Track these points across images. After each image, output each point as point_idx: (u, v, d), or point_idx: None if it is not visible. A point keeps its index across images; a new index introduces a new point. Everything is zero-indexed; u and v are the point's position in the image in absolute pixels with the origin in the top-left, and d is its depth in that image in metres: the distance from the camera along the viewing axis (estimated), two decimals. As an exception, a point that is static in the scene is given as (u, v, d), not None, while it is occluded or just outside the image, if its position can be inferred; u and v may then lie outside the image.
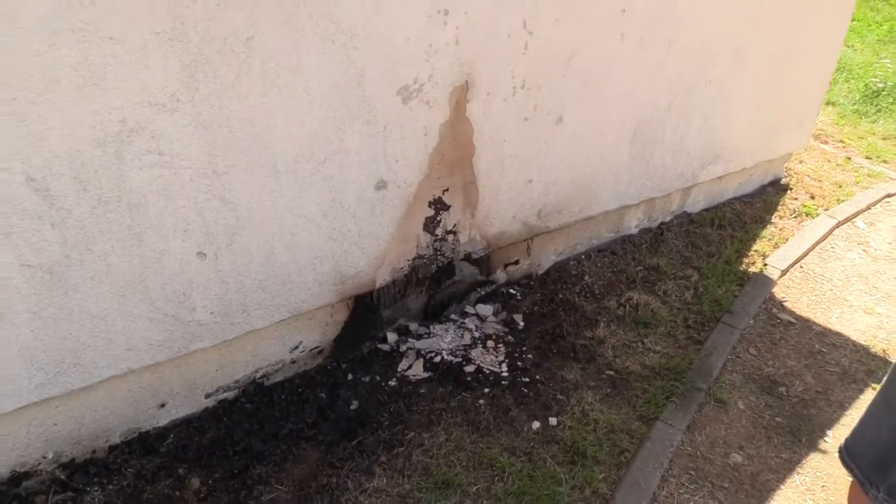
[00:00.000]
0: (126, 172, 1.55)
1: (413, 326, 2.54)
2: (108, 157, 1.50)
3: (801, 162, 4.09)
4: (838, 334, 2.73)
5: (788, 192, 3.76)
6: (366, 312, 2.37)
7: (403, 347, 2.44)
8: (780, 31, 3.01)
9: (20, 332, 1.57)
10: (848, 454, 1.82)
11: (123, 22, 1.42)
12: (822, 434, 2.24)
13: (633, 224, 3.18)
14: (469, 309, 2.66)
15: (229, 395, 2.14)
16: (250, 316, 1.99)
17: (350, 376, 2.30)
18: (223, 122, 1.65)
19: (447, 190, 2.28)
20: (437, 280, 2.52)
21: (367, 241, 2.16)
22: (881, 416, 1.72)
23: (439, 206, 2.30)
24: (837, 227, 3.45)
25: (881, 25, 6.90)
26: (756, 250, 3.18)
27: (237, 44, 1.59)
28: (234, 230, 1.82)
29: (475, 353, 2.45)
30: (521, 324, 2.60)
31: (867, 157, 4.29)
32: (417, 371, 2.34)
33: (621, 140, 2.71)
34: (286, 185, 1.86)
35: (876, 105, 5.02)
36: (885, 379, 1.73)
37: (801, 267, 3.14)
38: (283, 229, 1.92)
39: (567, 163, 2.57)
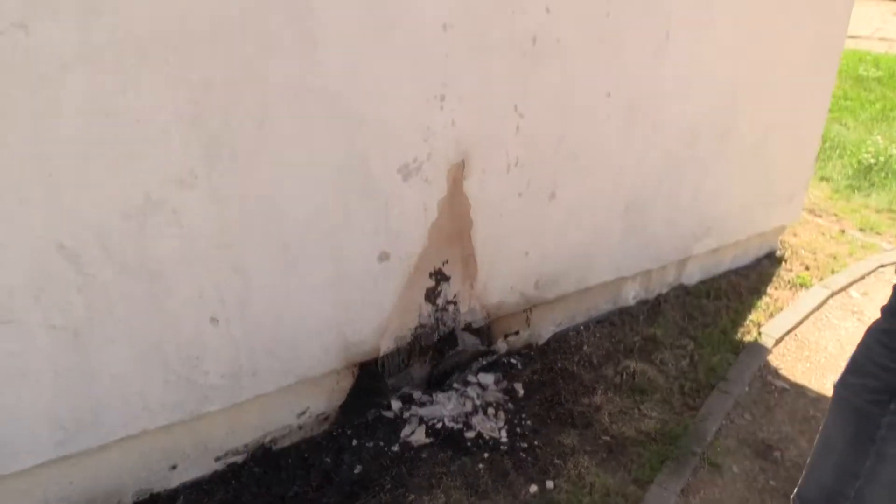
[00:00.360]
0: (148, 243, 1.70)
1: (417, 394, 2.63)
2: (132, 228, 1.66)
3: (795, 235, 4.21)
4: (833, 400, 2.78)
5: (783, 263, 3.87)
6: (371, 380, 2.47)
7: (407, 414, 2.52)
8: (762, 111, 3.20)
9: (43, 391, 1.69)
10: (801, 501, 1.86)
11: (150, 107, 1.60)
12: (817, 497, 2.27)
13: (630, 295, 3.29)
14: (471, 378, 2.75)
15: (238, 458, 2.22)
16: (259, 380, 2.09)
17: (354, 442, 2.38)
18: (237, 197, 1.81)
19: (447, 261, 2.42)
20: (440, 350, 2.63)
21: (371, 309, 2.28)
22: (824, 457, 1.76)
23: (439, 276, 2.43)
24: (832, 296, 3.54)
25: (874, 104, 7.15)
26: (751, 320, 3.27)
27: (251, 127, 1.77)
28: (245, 298, 1.96)
29: (476, 419, 2.52)
30: (521, 392, 2.68)
31: (861, 230, 4.41)
32: (420, 437, 2.42)
33: (613, 214, 2.86)
34: (294, 257, 2.01)
35: (869, 180, 5.18)
36: (823, 421, 1.79)
37: (796, 335, 3.21)
38: (290, 297, 2.05)
39: (562, 236, 2.71)
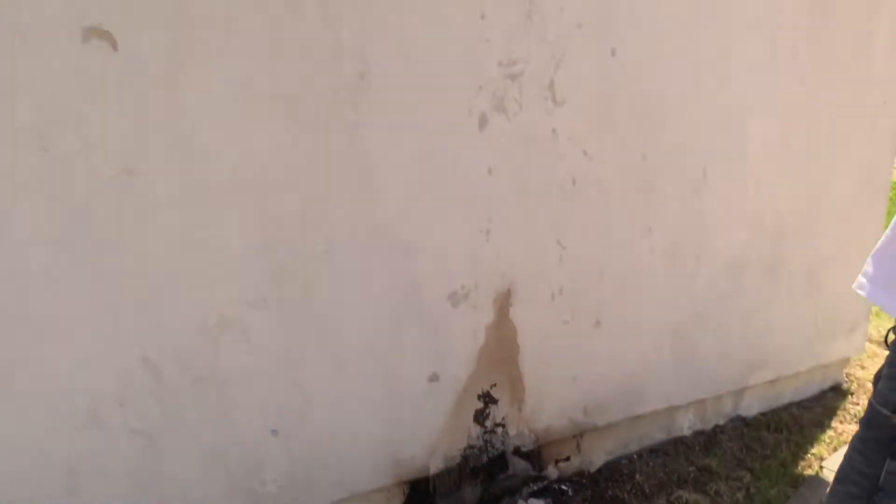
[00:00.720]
0: (219, 357, 1.92)
1: (467, 517, 2.68)
2: (207, 344, 1.89)
3: (862, 368, 4.12)
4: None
5: (850, 397, 3.78)
6: (421, 499, 2.56)
7: (456, 536, 2.58)
8: (811, 244, 3.28)
9: (119, 489, 1.88)
10: None
11: (228, 238, 1.87)
12: None
13: (684, 425, 3.29)
14: (521, 503, 2.79)
15: (289, 570, 2.32)
16: (313, 492, 2.23)
17: (402, 560, 2.44)
18: (300, 319, 2.04)
19: (495, 385, 2.55)
20: (491, 472, 2.70)
21: (421, 428, 2.41)
22: None
23: (488, 399, 2.55)
24: (901, 433, 3.42)
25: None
26: (813, 453, 3.20)
27: (315, 257, 2.02)
28: (304, 412, 2.14)
29: (524, 544, 2.55)
30: (571, 518, 2.70)
31: (935, 366, 4.27)
32: (467, 559, 2.46)
33: (661, 343, 2.94)
34: (350, 375, 2.19)
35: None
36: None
37: (862, 472, 3.11)
38: (345, 414, 2.22)
39: (608, 363, 2.81)
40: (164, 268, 1.80)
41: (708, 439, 3.29)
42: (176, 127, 1.75)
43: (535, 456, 2.80)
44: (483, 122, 2.22)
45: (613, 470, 3.03)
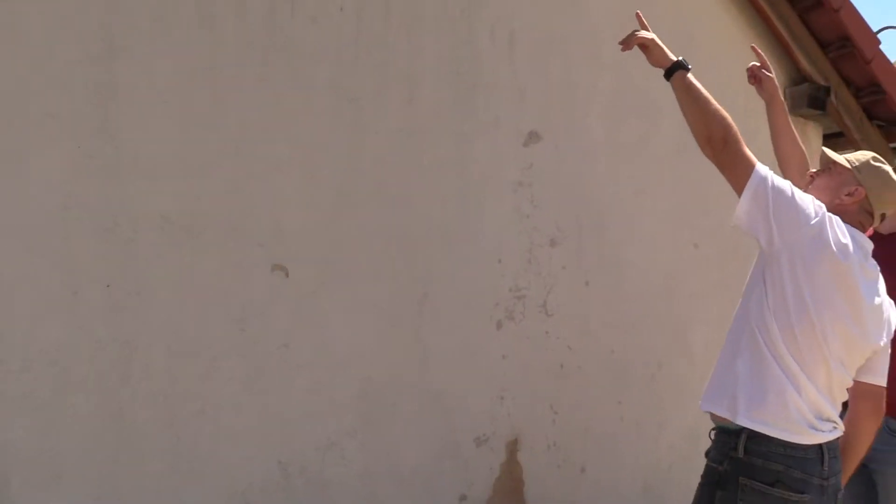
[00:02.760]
0: (325, 469, 3.11)
1: None
2: (318, 457, 3.09)
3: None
4: None
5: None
6: None
7: None
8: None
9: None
10: None
11: (337, 394, 3.13)
12: None
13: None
14: None
15: None
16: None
17: None
18: (379, 446, 3.23)
19: (507, 509, 3.61)
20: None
21: (452, 535, 3.47)
22: None
23: (501, 520, 3.60)
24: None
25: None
26: None
27: (387, 408, 3.25)
28: (374, 512, 3.26)
29: None
30: None
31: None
32: None
33: (634, 488, 3.95)
34: (407, 489, 3.32)
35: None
36: None
37: None
38: (401, 516, 3.33)
39: (593, 502, 3.83)
40: (299, 405, 3.06)
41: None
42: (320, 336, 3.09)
43: (538, 572, 3.76)
44: (499, 325, 3.50)
45: (601, 593, 3.91)
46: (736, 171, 1.92)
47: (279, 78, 3.04)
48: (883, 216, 2.12)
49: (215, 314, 2.92)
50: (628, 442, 3.91)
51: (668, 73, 2.08)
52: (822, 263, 1.86)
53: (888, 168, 2.08)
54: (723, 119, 1.92)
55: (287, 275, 3.04)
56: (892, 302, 2.10)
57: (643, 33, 2.17)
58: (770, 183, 1.87)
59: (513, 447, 3.58)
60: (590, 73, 3.72)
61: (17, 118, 2.61)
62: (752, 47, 2.69)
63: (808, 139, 4.38)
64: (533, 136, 3.59)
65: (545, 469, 3.68)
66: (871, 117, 4.38)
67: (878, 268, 2.05)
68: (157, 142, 2.82)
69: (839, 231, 1.89)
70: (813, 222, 1.86)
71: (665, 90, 3.71)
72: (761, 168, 1.90)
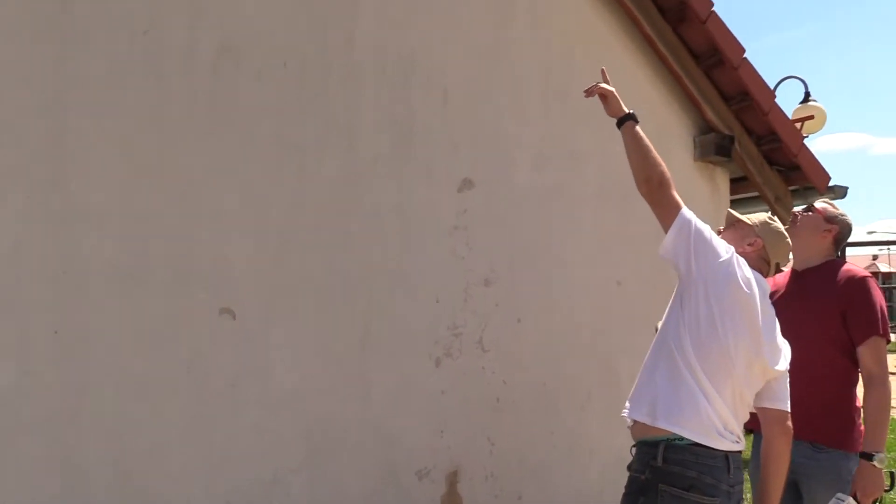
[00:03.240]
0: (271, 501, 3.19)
1: None
2: (263, 492, 3.17)
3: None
4: None
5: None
6: None
7: None
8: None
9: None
10: None
11: (287, 435, 3.24)
12: None
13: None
14: None
15: None
16: None
17: None
18: (322, 480, 3.33)
19: (448, 540, 3.74)
20: None
21: (396, 568, 3.58)
22: None
23: (443, 551, 3.73)
24: None
25: None
26: None
27: (336, 439, 3.36)
28: (319, 547, 3.34)
29: None
30: None
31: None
32: None
33: (569, 517, 4.15)
34: (350, 524, 3.42)
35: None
36: None
37: None
38: (346, 551, 3.42)
39: (530, 530, 4.00)
40: (245, 443, 3.15)
41: None
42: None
43: None
44: (438, 362, 3.68)
45: None
46: (665, 209, 2.28)
47: (224, 130, 3.20)
48: (777, 266, 2.51)
49: (162, 356, 3.01)
50: (561, 469, 4.11)
51: (620, 122, 2.42)
52: (730, 291, 2.20)
53: (780, 226, 2.49)
54: (660, 165, 2.28)
55: (234, 317, 3.15)
56: (785, 341, 2.41)
57: (604, 86, 2.50)
58: (693, 224, 2.24)
59: (453, 479, 3.73)
60: (517, 124, 4.01)
61: (-33, 169, 2.68)
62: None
63: (716, 183, 4.80)
64: (466, 183, 3.83)
65: (484, 499, 3.84)
66: (770, 163, 4.82)
67: (774, 309, 2.40)
68: (105, 191, 2.93)
69: (744, 268, 2.27)
70: (723, 259, 2.23)
71: (586, 139, 4.05)
72: (686, 211, 2.27)
